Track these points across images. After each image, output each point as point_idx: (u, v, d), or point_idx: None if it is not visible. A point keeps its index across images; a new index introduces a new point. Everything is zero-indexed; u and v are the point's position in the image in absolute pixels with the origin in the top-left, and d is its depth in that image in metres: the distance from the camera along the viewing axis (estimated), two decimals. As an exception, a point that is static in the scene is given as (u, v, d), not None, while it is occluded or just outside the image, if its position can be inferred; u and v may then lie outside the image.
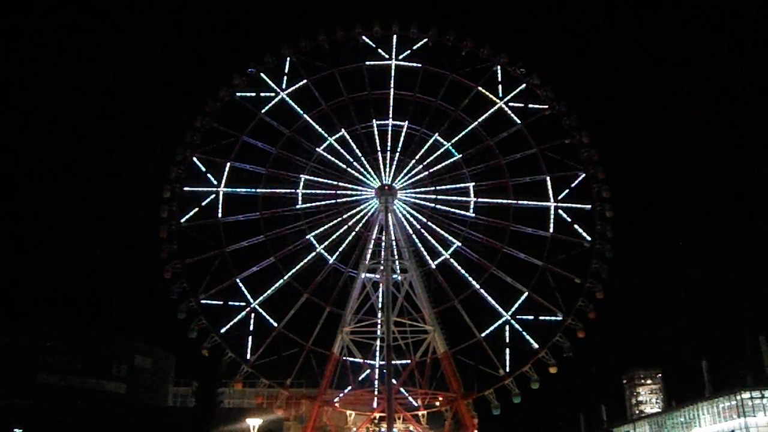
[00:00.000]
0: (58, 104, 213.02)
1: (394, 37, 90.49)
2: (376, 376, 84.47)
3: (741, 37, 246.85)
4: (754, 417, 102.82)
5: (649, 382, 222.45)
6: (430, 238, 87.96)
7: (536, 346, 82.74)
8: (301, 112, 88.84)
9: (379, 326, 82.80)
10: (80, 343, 79.43)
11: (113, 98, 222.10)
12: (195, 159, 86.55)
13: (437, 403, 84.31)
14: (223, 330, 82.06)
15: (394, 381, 78.43)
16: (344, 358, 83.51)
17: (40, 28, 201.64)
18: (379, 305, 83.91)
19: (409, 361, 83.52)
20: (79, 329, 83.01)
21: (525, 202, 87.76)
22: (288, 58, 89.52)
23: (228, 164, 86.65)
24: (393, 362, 79.09)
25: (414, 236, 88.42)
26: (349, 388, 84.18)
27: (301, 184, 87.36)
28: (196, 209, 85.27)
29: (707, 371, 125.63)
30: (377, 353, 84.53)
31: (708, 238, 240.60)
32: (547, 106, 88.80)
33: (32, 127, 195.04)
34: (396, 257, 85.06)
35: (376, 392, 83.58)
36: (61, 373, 76.81)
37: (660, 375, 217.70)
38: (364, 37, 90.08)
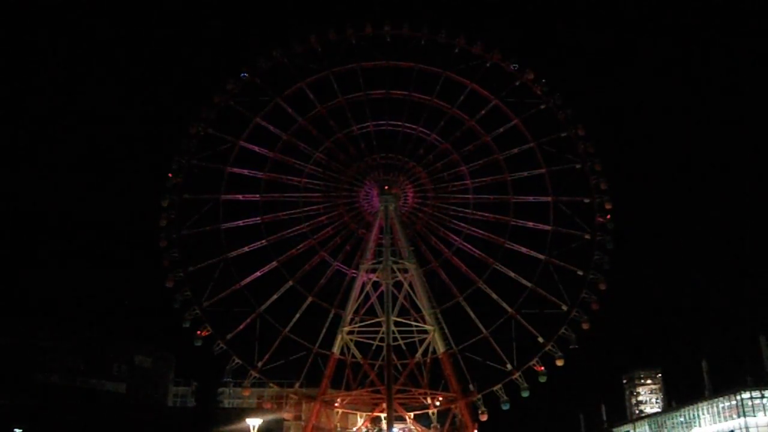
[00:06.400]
0: (57, 106, 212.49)
1: (387, 36, 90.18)
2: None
3: (737, 28, 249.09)
4: (754, 417, 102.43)
5: (649, 382, 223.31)
6: (431, 236, 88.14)
7: (542, 339, 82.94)
8: (297, 115, 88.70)
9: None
10: (80, 343, 78.77)
11: (112, 103, 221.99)
12: (192, 166, 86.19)
13: (437, 403, 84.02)
14: (229, 336, 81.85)
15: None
16: (353, 359, 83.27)
17: (32, 38, 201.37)
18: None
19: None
20: (79, 329, 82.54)
21: (524, 197, 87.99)
22: (281, 61, 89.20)
23: (226, 170, 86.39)
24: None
25: (415, 235, 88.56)
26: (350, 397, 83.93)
27: (301, 187, 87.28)
28: (196, 216, 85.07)
29: (707, 371, 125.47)
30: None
31: (708, 237, 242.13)
32: (541, 101, 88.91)
33: (33, 129, 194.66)
34: (396, 257, 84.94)
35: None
36: (61, 373, 76.07)
37: (660, 375, 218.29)
38: (356, 38, 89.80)
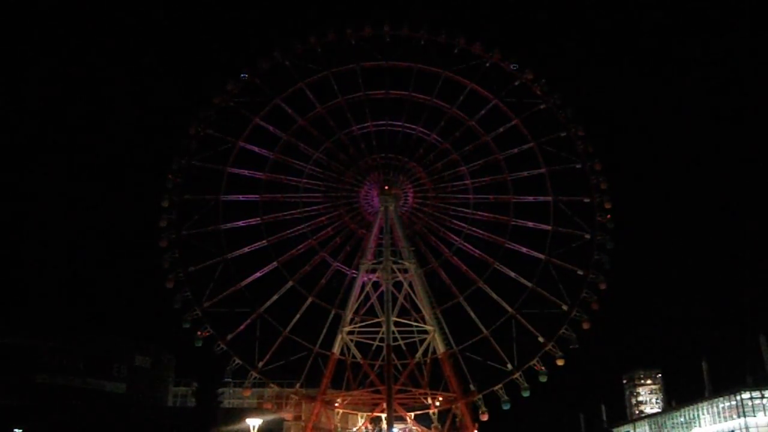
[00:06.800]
0: (56, 106, 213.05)
1: (386, 37, 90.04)
2: None
3: (737, 26, 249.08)
4: (754, 417, 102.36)
5: (649, 382, 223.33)
6: (431, 236, 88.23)
7: (542, 339, 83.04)
8: (297, 115, 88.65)
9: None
10: (80, 343, 79.04)
11: (111, 103, 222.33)
12: (192, 167, 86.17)
13: (437, 403, 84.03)
14: (229, 337, 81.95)
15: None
16: (353, 359, 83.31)
17: (32, 39, 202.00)
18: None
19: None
20: (79, 329, 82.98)
21: (524, 197, 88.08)
22: (281, 62, 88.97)
23: (226, 171, 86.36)
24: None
25: (415, 235, 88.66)
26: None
27: (301, 187, 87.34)
28: (196, 217, 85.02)
29: (707, 371, 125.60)
30: None
31: (708, 237, 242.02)
32: (541, 101, 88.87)
33: (33, 129, 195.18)
34: (396, 257, 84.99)
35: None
36: (61, 373, 76.38)
37: (660, 375, 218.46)
38: (355, 38, 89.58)
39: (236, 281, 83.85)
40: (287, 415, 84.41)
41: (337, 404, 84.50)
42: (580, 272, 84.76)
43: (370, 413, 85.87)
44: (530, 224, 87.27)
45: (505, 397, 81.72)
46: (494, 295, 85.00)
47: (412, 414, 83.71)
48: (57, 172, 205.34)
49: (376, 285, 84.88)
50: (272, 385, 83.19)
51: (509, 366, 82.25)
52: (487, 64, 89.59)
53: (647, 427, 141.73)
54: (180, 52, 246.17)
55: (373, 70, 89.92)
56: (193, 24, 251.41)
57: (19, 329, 77.57)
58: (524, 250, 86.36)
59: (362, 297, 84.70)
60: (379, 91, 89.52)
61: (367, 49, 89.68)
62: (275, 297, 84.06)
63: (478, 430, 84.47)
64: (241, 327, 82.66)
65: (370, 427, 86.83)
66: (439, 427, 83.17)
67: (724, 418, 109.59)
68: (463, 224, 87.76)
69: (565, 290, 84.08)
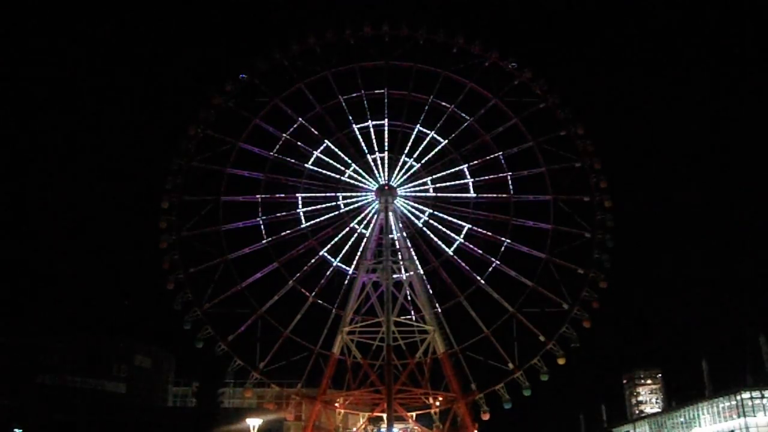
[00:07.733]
0: (54, 107, 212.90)
1: (385, 36, 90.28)
2: None
3: (736, 25, 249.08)
4: (754, 417, 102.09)
5: (649, 382, 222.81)
6: (432, 236, 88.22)
7: (543, 338, 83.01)
8: (296, 115, 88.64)
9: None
10: (80, 343, 79.09)
11: (110, 104, 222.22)
12: (192, 167, 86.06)
13: (437, 403, 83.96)
14: (230, 338, 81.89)
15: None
16: (353, 360, 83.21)
17: (32, 39, 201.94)
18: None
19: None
20: (79, 329, 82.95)
21: (524, 196, 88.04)
22: (280, 62, 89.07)
23: (226, 171, 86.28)
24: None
25: (416, 235, 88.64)
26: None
27: (301, 188, 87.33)
28: (196, 218, 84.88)
29: (707, 371, 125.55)
30: None
31: (708, 236, 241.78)
32: (540, 100, 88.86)
33: (33, 128, 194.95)
34: (396, 257, 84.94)
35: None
36: (61, 373, 76.35)
37: (660, 375, 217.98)
38: (354, 38, 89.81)
39: (237, 282, 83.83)
40: (288, 415, 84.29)
41: (337, 404, 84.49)
42: (580, 271, 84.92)
43: (370, 413, 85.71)
44: (530, 223, 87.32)
45: (506, 397, 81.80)
46: (495, 295, 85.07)
47: (413, 414, 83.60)
48: (57, 172, 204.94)
49: (376, 285, 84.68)
50: (273, 386, 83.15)
51: (510, 365, 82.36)
52: (486, 64, 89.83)
53: (647, 427, 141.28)
54: (180, 52, 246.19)
55: (372, 69, 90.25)
56: (192, 24, 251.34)
57: (20, 329, 77.48)
58: (525, 249, 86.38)
59: (362, 297, 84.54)
60: (378, 90, 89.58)
61: (366, 48, 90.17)
62: (276, 297, 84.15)
63: (478, 429, 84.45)
64: (242, 328, 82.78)
65: (370, 427, 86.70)
66: (440, 426, 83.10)
67: (724, 418, 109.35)
68: (464, 223, 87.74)
69: (566, 289, 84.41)
